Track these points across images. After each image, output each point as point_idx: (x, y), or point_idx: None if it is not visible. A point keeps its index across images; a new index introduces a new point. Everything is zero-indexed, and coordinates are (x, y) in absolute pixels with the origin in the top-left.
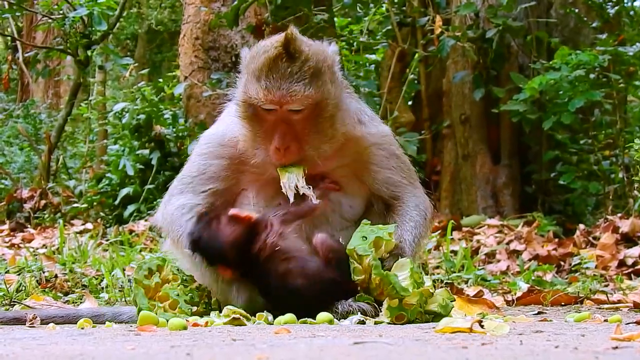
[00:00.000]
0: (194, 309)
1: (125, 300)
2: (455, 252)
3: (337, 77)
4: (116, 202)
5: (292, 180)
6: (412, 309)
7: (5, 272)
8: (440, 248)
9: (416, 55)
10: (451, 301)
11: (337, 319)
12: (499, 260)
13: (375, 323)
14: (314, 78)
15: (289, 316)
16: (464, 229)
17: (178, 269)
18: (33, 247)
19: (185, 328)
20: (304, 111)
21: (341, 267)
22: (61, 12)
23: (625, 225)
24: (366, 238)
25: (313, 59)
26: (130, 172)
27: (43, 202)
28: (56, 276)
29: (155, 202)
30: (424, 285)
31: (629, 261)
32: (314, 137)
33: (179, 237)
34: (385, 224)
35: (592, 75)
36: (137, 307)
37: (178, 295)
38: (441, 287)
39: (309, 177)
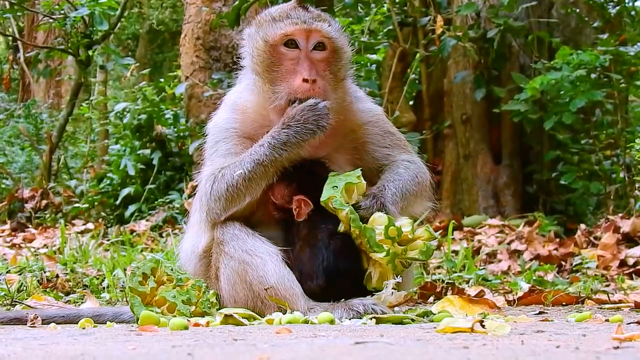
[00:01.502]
0: (192, 308)
1: (127, 300)
2: (456, 252)
3: (348, 43)
4: (117, 202)
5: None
6: (385, 265)
7: (7, 272)
8: (442, 248)
9: (417, 55)
10: (434, 240)
11: (348, 318)
12: (500, 260)
13: (377, 322)
14: (332, 25)
15: (291, 316)
16: (465, 228)
17: (172, 269)
18: (34, 247)
19: (186, 328)
20: (326, 51)
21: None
22: (62, 12)
23: (626, 225)
24: (337, 187)
25: (326, 18)
26: (132, 172)
27: (44, 202)
28: (57, 276)
29: (156, 202)
30: (401, 233)
31: (630, 261)
32: (333, 80)
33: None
34: (332, 174)
35: (593, 75)
36: (135, 316)
37: (174, 297)
38: (443, 286)
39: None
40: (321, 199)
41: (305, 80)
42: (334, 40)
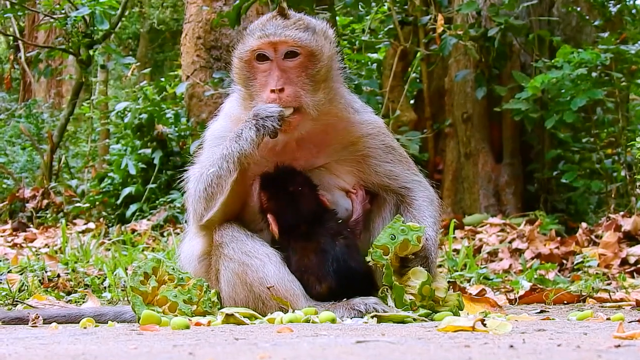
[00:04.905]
0: (194, 308)
1: (128, 300)
2: (457, 251)
3: (332, 44)
4: (118, 202)
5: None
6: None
7: (8, 272)
8: (443, 247)
9: (418, 54)
10: (460, 309)
11: (349, 317)
12: (501, 259)
13: (379, 321)
14: (308, 30)
15: (292, 315)
16: (467, 227)
17: (173, 269)
18: (35, 247)
19: (187, 327)
20: (299, 57)
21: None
22: (63, 11)
23: (627, 224)
24: (394, 238)
25: (306, 20)
26: (133, 172)
27: (45, 201)
28: (58, 276)
29: (157, 202)
30: (433, 295)
31: (632, 259)
32: (309, 84)
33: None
34: (400, 218)
35: (594, 74)
36: (136, 316)
37: (176, 296)
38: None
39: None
40: (375, 243)
41: (272, 91)
42: (305, 46)
